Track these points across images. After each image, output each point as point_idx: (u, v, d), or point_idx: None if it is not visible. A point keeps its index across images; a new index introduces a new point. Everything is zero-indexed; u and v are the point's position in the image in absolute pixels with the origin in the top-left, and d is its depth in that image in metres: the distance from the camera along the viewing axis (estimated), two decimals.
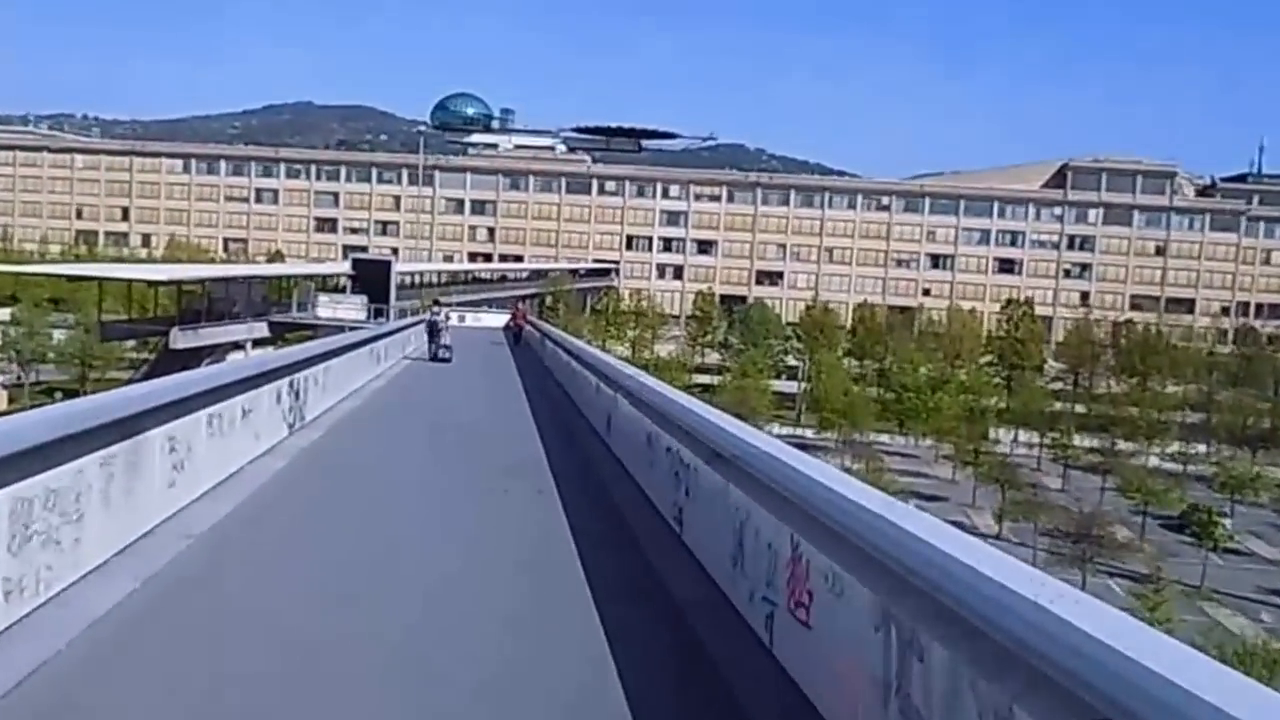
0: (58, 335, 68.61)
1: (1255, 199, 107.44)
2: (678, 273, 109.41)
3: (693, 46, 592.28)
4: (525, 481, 9.06)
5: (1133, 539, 49.20)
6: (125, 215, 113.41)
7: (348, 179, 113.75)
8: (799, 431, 67.29)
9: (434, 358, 24.57)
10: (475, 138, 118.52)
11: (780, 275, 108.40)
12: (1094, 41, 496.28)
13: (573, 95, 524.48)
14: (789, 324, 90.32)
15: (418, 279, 72.07)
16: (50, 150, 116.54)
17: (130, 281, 55.80)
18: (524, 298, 71.92)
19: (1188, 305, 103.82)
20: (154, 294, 55.87)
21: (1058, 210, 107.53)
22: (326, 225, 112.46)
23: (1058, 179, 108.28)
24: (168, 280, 53.72)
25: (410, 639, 4.85)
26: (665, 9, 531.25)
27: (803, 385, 77.72)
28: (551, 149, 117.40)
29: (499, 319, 44.64)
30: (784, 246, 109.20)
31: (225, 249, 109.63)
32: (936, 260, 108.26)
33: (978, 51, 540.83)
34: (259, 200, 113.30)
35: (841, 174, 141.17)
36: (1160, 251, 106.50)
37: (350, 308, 53.45)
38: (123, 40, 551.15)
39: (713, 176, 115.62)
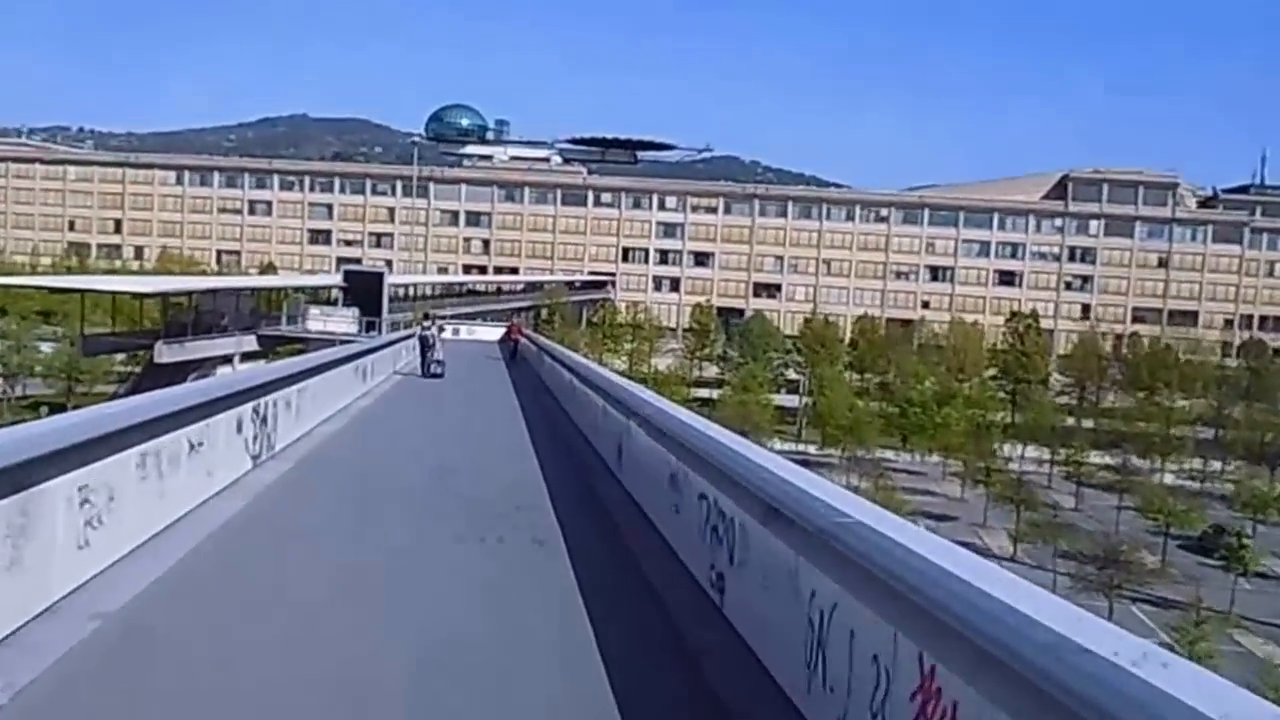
0: (45, 348, 67.32)
1: (1258, 210, 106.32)
2: (674, 285, 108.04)
3: (688, 58, 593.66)
4: (522, 532, 7.66)
5: (1156, 563, 47.52)
6: (118, 227, 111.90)
7: (342, 191, 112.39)
8: (801, 447, 65.90)
9: (426, 373, 24.27)
10: (470, 149, 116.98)
11: (778, 288, 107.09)
12: (1095, 52, 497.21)
13: (568, 107, 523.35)
14: (788, 337, 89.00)
15: (411, 291, 70.66)
16: (43, 162, 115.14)
17: (115, 294, 54.35)
18: (519, 310, 70.87)
19: (1190, 318, 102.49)
20: (140, 307, 54.45)
21: (1058, 222, 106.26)
22: (320, 237, 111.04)
23: (1058, 190, 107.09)
24: (153, 292, 52.36)
25: None
26: (660, 21, 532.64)
27: (804, 399, 76.33)
28: (547, 160, 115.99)
29: (494, 332, 43.78)
30: (781, 259, 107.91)
31: (218, 261, 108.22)
32: (936, 272, 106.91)
33: (975, 63, 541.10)
34: (252, 212, 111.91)
35: (838, 186, 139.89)
36: (1162, 263, 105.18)
37: (341, 320, 52.34)
38: (119, 54, 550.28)
39: (709, 188, 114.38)
